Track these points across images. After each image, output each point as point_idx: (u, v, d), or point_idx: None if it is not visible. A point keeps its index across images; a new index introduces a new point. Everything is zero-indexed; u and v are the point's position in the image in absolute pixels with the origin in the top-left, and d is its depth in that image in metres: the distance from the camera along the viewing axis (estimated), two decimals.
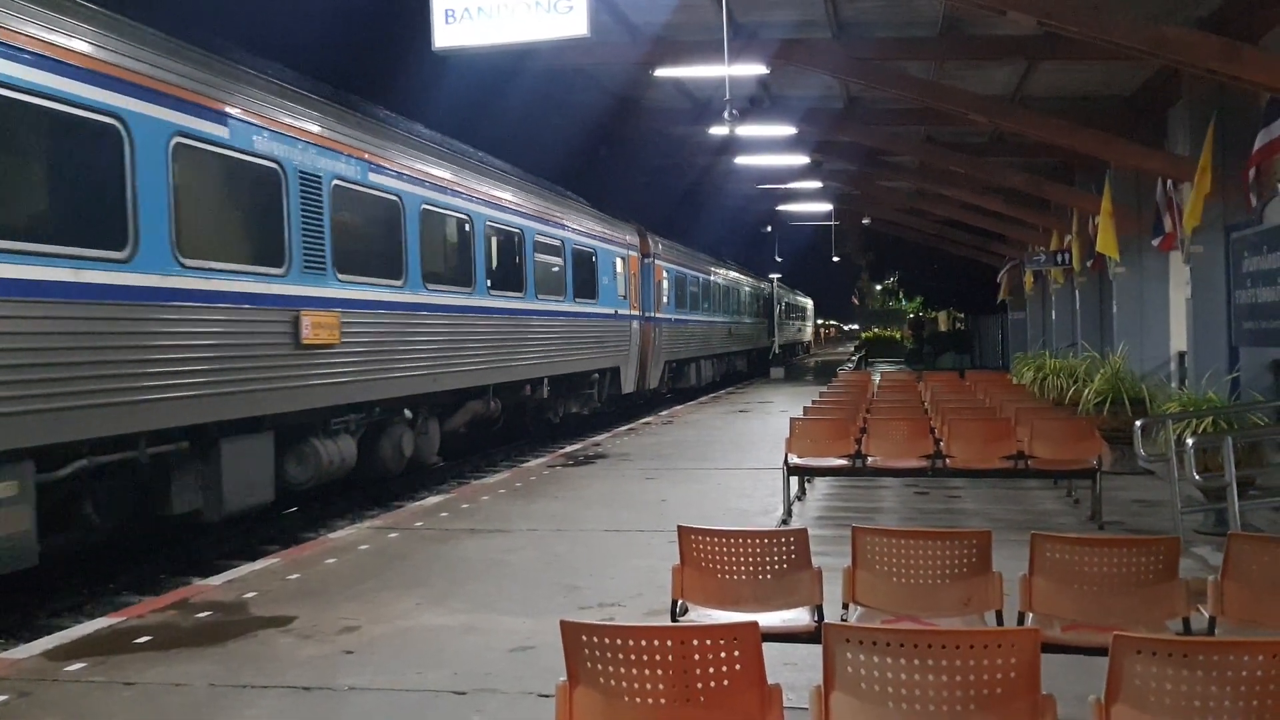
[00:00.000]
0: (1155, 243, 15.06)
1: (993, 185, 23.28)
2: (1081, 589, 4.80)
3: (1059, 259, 22.85)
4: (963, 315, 55.62)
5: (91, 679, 5.81)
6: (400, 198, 12.69)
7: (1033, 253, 26.55)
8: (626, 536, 9.50)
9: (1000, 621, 4.82)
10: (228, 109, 9.67)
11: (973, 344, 47.85)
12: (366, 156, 11.99)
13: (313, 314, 10.70)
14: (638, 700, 3.42)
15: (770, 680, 3.46)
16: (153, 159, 8.65)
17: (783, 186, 29.14)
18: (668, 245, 27.74)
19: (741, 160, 22.67)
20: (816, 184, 27.88)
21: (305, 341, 10.51)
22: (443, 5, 8.95)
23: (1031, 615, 4.84)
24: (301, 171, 10.68)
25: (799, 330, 68.35)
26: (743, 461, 14.32)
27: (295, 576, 8.18)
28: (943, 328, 60.92)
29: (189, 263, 9.01)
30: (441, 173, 14.03)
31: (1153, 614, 4.71)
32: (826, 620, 4.67)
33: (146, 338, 8.55)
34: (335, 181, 11.31)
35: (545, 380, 18.08)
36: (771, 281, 51.40)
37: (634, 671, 3.40)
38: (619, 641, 3.41)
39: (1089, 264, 20.05)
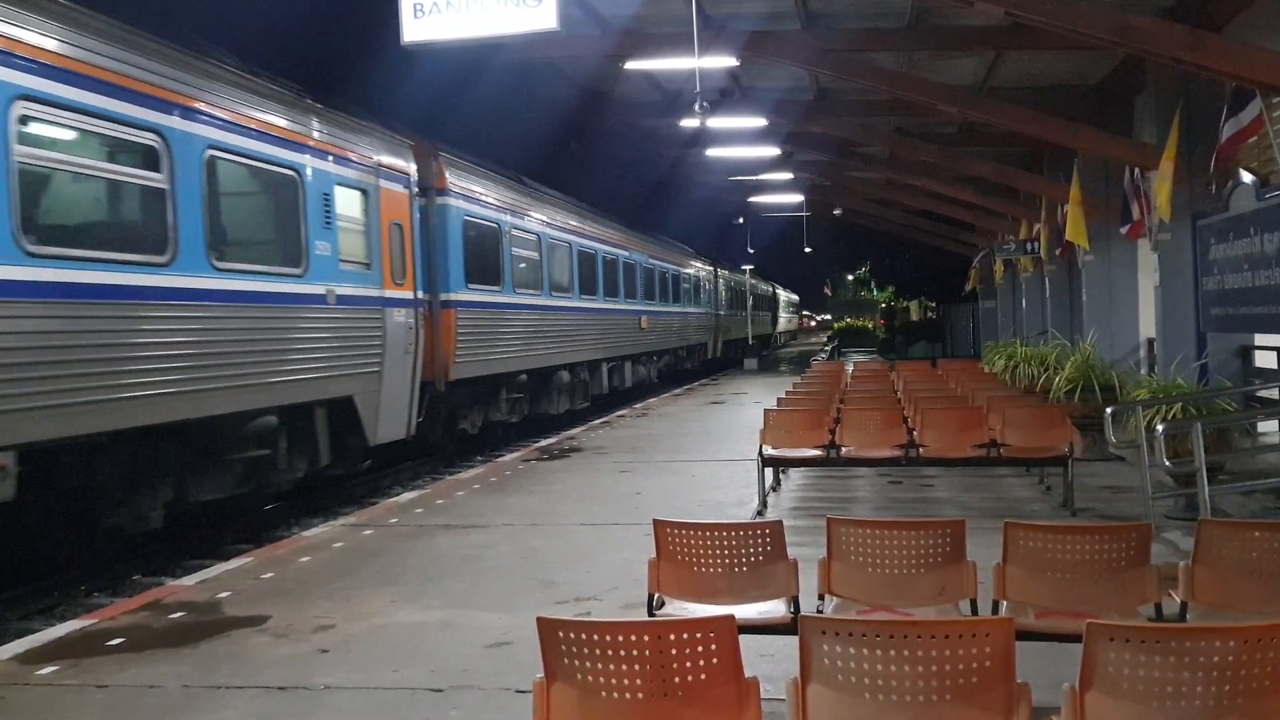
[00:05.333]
0: (1123, 230, 15.16)
1: (962, 175, 23.38)
2: (1054, 576, 4.83)
3: (1028, 248, 23.00)
4: (934, 305, 55.91)
5: (64, 682, 5.76)
6: (655, 269, 29.38)
7: (1002, 241, 26.71)
8: (602, 530, 9.50)
9: (975, 610, 4.85)
10: (645, 252, 29.60)
11: (944, 333, 48.11)
12: (658, 259, 29.86)
13: (643, 316, 26.82)
14: (615, 695, 3.42)
15: (747, 673, 3.47)
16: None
17: (754, 178, 29.16)
18: (723, 265, 43.90)
19: (712, 152, 22.64)
20: (787, 175, 27.88)
21: (641, 327, 26.43)
22: (411, 0, 8.90)
23: (1006, 603, 4.87)
24: (642, 266, 27.15)
25: (789, 320, 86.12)
26: (717, 453, 14.34)
27: (269, 575, 8.14)
28: (914, 317, 61.19)
29: (608, 298, 23.44)
30: (665, 257, 31.46)
31: (1125, 600, 4.74)
32: (802, 612, 4.69)
33: (608, 326, 23.44)
34: (644, 265, 27.77)
35: (686, 347, 35.08)
36: (772, 284, 65.79)
37: (611, 667, 3.40)
38: (595, 637, 3.41)
39: (1058, 252, 20.18)
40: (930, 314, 57.28)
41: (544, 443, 16.89)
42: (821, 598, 5.06)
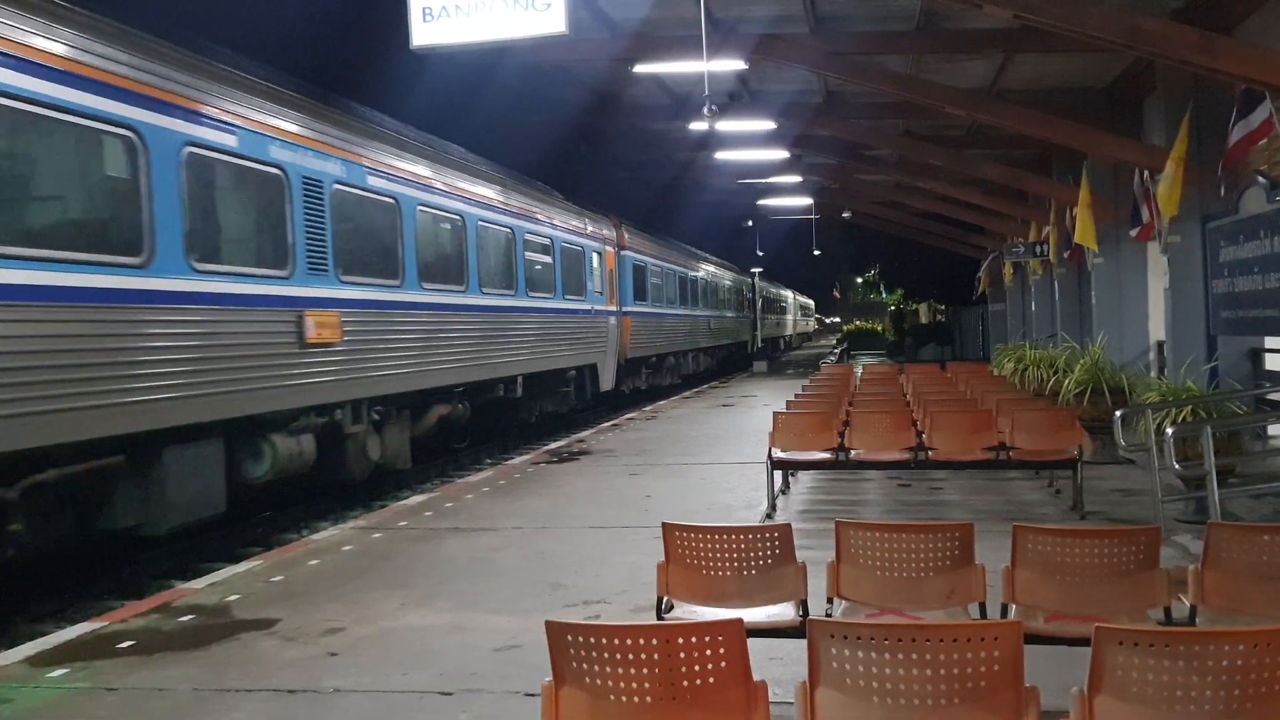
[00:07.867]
0: (1133, 233, 15.14)
1: (971, 178, 23.36)
2: (1064, 579, 4.82)
3: (1037, 250, 22.97)
4: (943, 307, 55.86)
5: (74, 685, 5.78)
6: (717, 284, 38.85)
7: (1011, 244, 26.68)
8: (611, 533, 9.51)
9: (984, 613, 4.84)
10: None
11: (953, 336, 48.07)
12: (718, 277, 39.67)
13: (710, 320, 36.50)
14: (624, 699, 3.42)
15: (756, 676, 3.47)
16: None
17: (763, 181, 29.17)
18: (761, 279, 53.33)
19: (721, 155, 22.66)
20: (796, 178, 27.91)
21: (709, 328, 36.06)
22: (420, 4, 8.91)
23: (1015, 607, 4.86)
24: (710, 283, 37.08)
25: (806, 323, 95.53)
26: (726, 456, 14.34)
27: (278, 578, 8.16)
28: (923, 320, 61.13)
29: (693, 307, 33.43)
30: (722, 275, 41.18)
31: (1134, 603, 4.73)
32: (811, 615, 4.69)
33: (692, 327, 33.60)
34: (711, 282, 37.11)
35: (735, 343, 43.49)
36: (793, 290, 76.17)
37: (619, 670, 3.40)
38: (604, 640, 3.41)
39: (1066, 255, 20.16)
40: (939, 317, 57.23)
41: (553, 445, 16.91)
42: (830, 601, 5.06)
